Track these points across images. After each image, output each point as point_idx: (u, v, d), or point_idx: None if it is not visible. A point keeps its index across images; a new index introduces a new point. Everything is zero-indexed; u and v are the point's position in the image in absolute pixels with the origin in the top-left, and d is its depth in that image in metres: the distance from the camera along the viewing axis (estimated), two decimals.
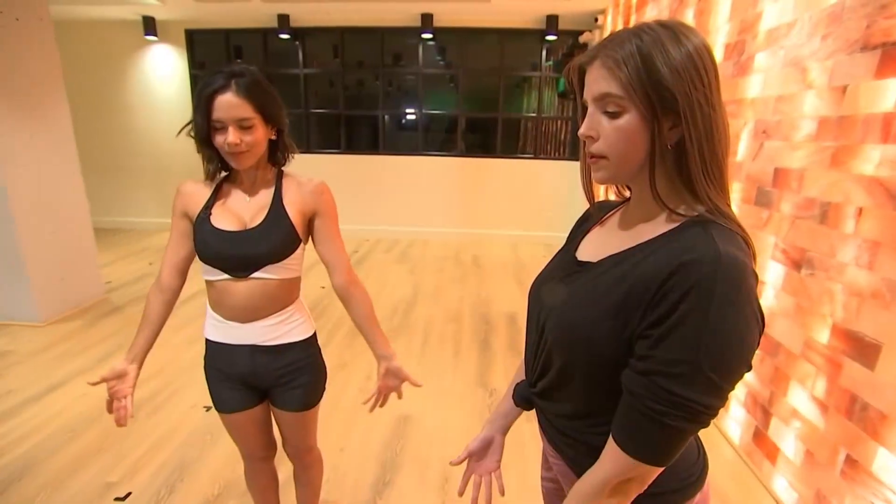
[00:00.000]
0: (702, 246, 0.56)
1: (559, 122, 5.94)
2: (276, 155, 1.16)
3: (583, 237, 0.78)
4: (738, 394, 2.13)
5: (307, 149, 5.95)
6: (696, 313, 0.53)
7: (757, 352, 1.71)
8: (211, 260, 1.11)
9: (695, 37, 0.59)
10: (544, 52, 5.50)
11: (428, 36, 5.27)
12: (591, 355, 0.62)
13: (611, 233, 0.72)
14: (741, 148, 2.16)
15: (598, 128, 0.62)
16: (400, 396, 1.24)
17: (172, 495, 1.83)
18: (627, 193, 0.74)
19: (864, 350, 1.45)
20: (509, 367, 2.84)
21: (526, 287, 4.31)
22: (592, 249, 0.72)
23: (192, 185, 1.17)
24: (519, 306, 3.83)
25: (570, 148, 5.84)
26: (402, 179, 5.86)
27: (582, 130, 0.64)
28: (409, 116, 6.04)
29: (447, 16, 5.15)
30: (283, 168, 1.19)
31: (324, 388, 1.31)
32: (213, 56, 5.85)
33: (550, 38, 5.19)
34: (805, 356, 1.71)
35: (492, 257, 5.28)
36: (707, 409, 0.56)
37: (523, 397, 0.82)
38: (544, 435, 0.80)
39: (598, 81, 0.61)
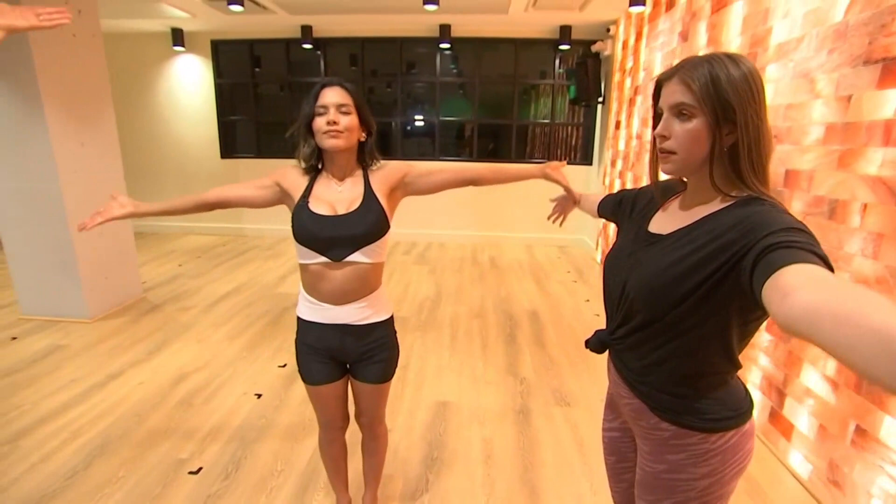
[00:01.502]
0: (753, 207, 0.75)
1: (570, 128, 6.13)
2: (364, 156, 1.35)
3: (650, 218, 0.95)
4: (753, 378, 2.30)
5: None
6: (760, 217, 0.70)
7: (770, 338, 1.90)
8: (310, 242, 1.27)
9: (749, 63, 0.78)
10: (557, 61, 5.71)
11: (446, 46, 5.48)
12: (671, 305, 0.80)
13: (674, 214, 0.90)
14: None
15: (671, 129, 0.81)
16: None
17: (239, 471, 2.01)
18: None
19: None
20: (536, 359, 3.02)
21: (544, 286, 4.49)
22: (661, 226, 0.90)
23: (295, 169, 1.35)
24: (539, 303, 4.01)
25: (582, 153, 6.03)
26: None
27: (658, 130, 0.83)
28: (422, 122, 6.25)
29: (464, 26, 5.36)
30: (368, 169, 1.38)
31: (397, 364, 1.49)
32: (237, 65, 6.08)
33: (564, 47, 5.40)
34: None
35: (508, 258, 5.47)
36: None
37: (600, 341, 0.99)
38: (619, 376, 0.97)
39: (675, 93, 0.80)
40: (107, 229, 3.64)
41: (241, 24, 5.38)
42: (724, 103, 0.76)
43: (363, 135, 1.33)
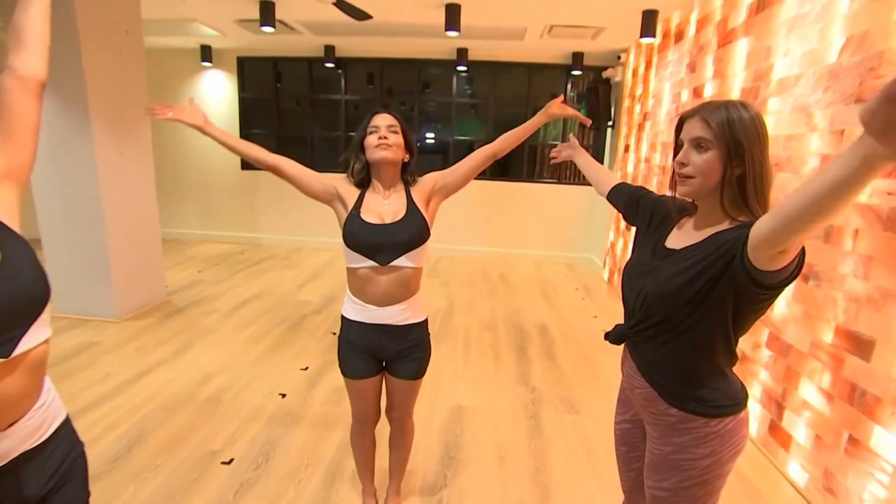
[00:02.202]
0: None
1: None
2: (406, 174, 1.53)
3: (667, 235, 1.10)
4: (754, 392, 2.43)
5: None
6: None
7: (770, 354, 2.07)
8: (361, 247, 1.43)
9: (756, 110, 0.95)
10: (569, 85, 5.93)
11: (462, 68, 5.72)
12: (681, 305, 0.95)
13: (688, 232, 1.05)
14: None
15: (690, 158, 0.98)
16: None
17: (269, 462, 2.15)
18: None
19: (861, 346, 1.76)
20: (546, 370, 3.15)
21: (552, 302, 4.63)
22: (675, 242, 1.06)
23: (348, 181, 1.54)
24: (548, 318, 4.15)
25: None
26: None
27: (678, 158, 1.00)
28: (435, 140, 6.47)
29: (481, 51, 5.60)
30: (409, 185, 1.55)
31: (429, 363, 1.64)
32: (260, 81, 6.34)
33: (576, 72, 5.62)
34: (813, 354, 2.02)
35: (518, 274, 5.62)
36: None
37: (620, 334, 1.13)
38: (634, 366, 1.11)
39: (696, 129, 0.97)
40: (137, 233, 3.83)
41: (267, 42, 5.64)
42: (736, 141, 0.93)
43: (406, 156, 1.50)
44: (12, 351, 0.73)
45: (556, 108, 1.64)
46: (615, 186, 1.40)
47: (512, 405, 2.70)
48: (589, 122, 1.72)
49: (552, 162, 1.68)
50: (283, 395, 2.71)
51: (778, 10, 2.41)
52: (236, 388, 2.78)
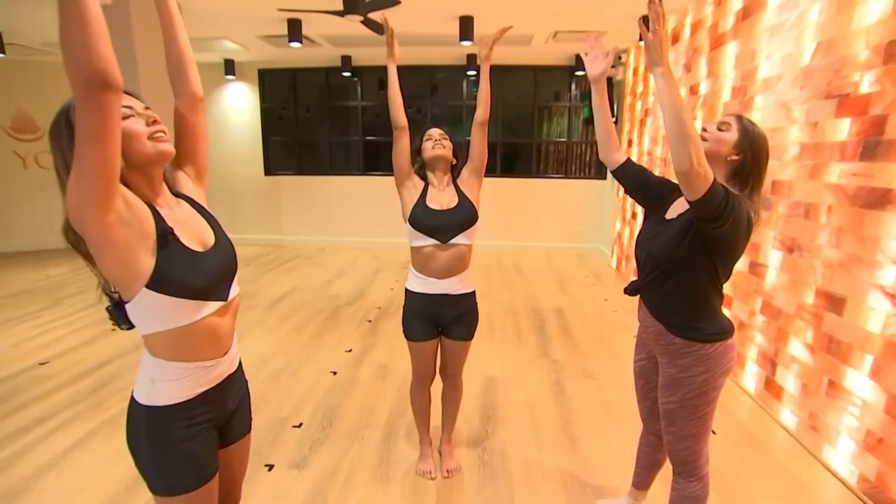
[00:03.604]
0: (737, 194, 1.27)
1: (584, 146, 6.66)
2: (453, 172, 1.89)
3: (668, 208, 1.44)
4: (752, 355, 2.76)
5: (362, 171, 6.75)
6: None
7: (764, 319, 2.48)
8: (426, 229, 1.79)
9: (759, 127, 1.33)
10: (573, 85, 6.27)
11: (472, 73, 6.06)
12: (677, 258, 1.29)
13: (681, 203, 1.39)
14: None
15: (711, 130, 1.34)
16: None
17: (333, 425, 2.50)
18: None
19: (836, 303, 2.10)
20: (565, 346, 3.50)
21: (566, 289, 4.97)
22: (672, 213, 1.40)
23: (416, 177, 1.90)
24: (564, 303, 4.49)
25: (596, 169, 6.54)
26: None
27: (703, 125, 1.37)
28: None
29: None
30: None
31: (477, 326, 1.99)
32: (280, 90, 6.72)
33: (579, 73, 5.95)
34: (798, 315, 2.35)
35: (531, 265, 5.96)
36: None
37: (635, 288, 1.47)
38: (647, 309, 1.45)
39: (727, 118, 1.34)
40: None
41: (288, 54, 5.99)
42: (747, 136, 1.31)
43: (454, 159, 1.87)
44: (227, 296, 1.08)
45: (484, 47, 1.89)
46: (622, 165, 1.59)
47: (537, 374, 3.05)
48: (509, 27, 1.87)
49: (589, 50, 1.55)
50: (335, 373, 3.06)
51: (761, 18, 2.74)
52: (291, 368, 3.14)
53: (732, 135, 1.32)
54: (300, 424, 2.51)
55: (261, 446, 2.31)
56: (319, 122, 6.89)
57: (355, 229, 6.82)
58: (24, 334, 3.69)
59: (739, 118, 1.35)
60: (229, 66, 6.39)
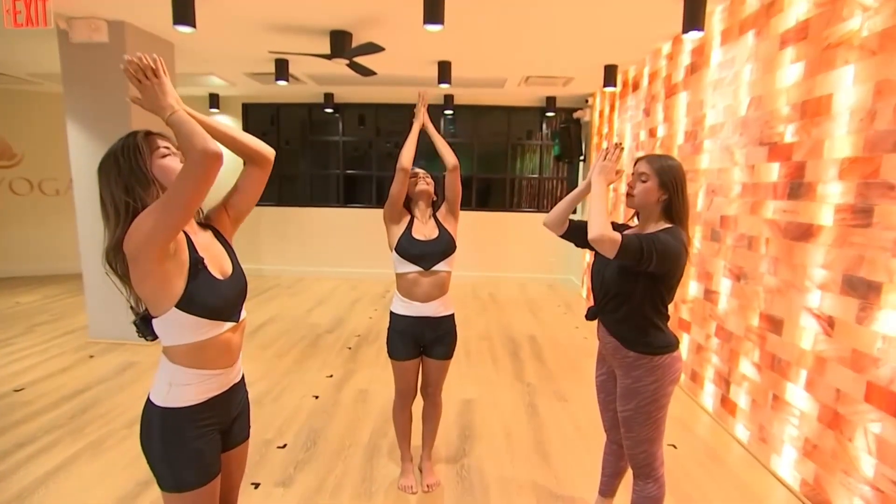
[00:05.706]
0: (665, 230, 1.48)
1: (556, 181, 7.02)
2: (434, 206, 2.09)
3: None
4: (709, 375, 2.99)
5: (341, 203, 6.92)
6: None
7: (718, 341, 2.76)
8: (411, 257, 1.97)
9: (678, 161, 1.55)
10: (543, 124, 6.66)
11: (449, 112, 6.40)
12: (627, 284, 1.50)
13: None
14: (700, 202, 3.15)
15: (635, 185, 1.55)
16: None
17: (316, 445, 2.59)
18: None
19: (776, 325, 2.35)
20: (538, 369, 3.67)
21: (538, 317, 5.18)
22: None
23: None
24: (536, 330, 4.69)
25: None
26: None
27: (629, 183, 1.58)
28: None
29: (465, 96, 6.30)
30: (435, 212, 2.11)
31: (456, 346, 2.15)
32: (262, 124, 6.91)
33: (550, 114, 6.36)
34: (746, 337, 2.60)
35: (505, 294, 6.17)
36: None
37: (594, 312, 1.67)
38: (606, 329, 1.64)
39: (641, 167, 1.55)
40: None
41: (272, 90, 6.22)
42: (665, 177, 1.51)
43: (434, 195, 2.08)
44: (239, 317, 1.23)
45: (419, 114, 2.13)
46: (566, 230, 1.76)
47: (512, 396, 3.20)
48: (426, 95, 2.15)
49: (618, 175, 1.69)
50: (317, 397, 3.15)
51: (706, 73, 3.10)
52: (274, 393, 3.21)
53: (653, 180, 1.51)
54: (284, 445, 2.58)
55: (247, 465, 2.37)
56: (300, 155, 7.08)
57: (334, 260, 6.93)
58: None
59: (649, 161, 1.54)
60: (213, 100, 6.56)
